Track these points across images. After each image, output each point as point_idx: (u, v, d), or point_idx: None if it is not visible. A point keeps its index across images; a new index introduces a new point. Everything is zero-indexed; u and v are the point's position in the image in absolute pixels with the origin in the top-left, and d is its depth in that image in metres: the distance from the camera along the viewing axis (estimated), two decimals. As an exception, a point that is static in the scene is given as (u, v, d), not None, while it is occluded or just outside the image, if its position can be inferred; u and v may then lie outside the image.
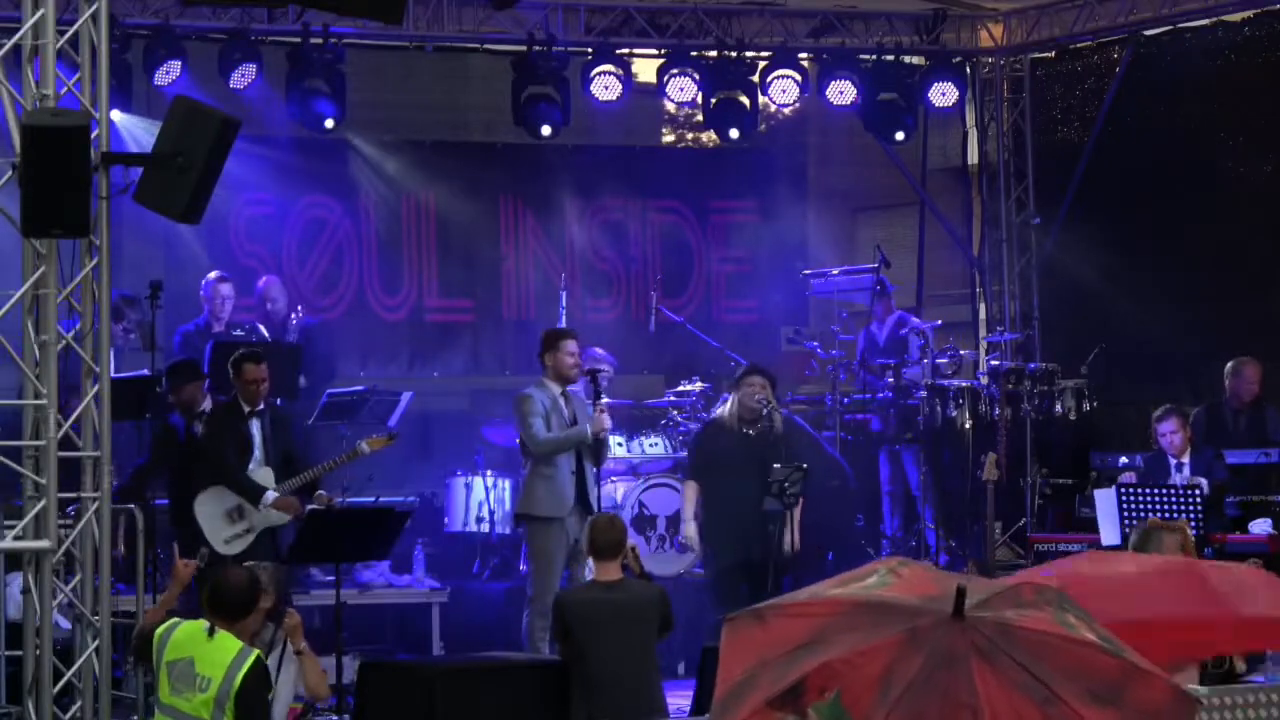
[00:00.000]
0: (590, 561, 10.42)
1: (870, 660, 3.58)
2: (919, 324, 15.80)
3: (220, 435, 12.06)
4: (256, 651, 8.45)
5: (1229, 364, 14.16)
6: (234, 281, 14.68)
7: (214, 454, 12.04)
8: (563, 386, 12.36)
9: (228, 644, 8.23)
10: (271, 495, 11.78)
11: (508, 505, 14.28)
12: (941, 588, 3.74)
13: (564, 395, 12.36)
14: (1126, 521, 12.93)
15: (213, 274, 14.63)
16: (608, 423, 12.42)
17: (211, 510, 11.89)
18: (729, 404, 12.92)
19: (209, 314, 14.46)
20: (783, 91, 16.20)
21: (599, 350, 14.54)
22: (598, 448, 12.34)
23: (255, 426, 12.02)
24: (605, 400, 12.55)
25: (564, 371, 12.33)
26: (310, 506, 11.86)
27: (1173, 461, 13.57)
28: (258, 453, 12.00)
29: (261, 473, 11.98)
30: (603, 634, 9.73)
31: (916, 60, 16.70)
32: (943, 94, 16.56)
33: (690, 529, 12.97)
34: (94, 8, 9.86)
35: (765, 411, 12.66)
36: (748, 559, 12.55)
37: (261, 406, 12.07)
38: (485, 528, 14.36)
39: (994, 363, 15.82)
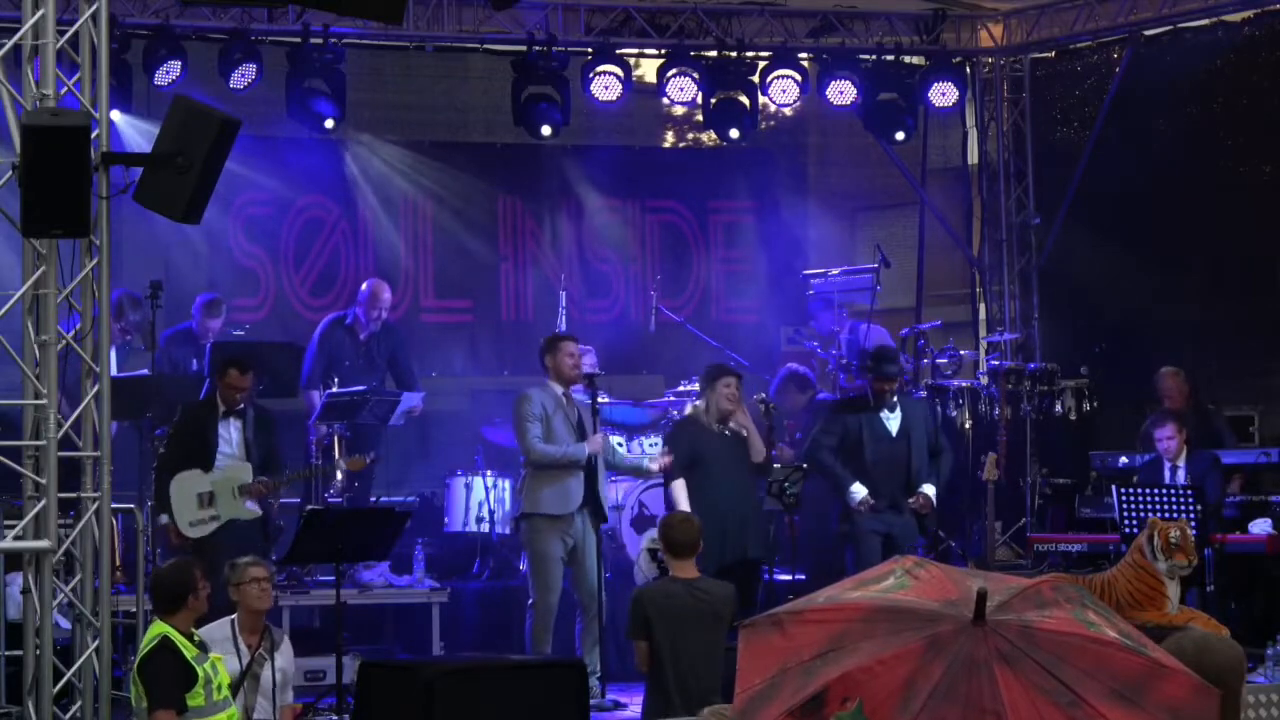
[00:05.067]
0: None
1: (891, 669, 3.56)
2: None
3: (177, 435, 12.47)
4: (162, 631, 8.72)
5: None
6: (226, 302, 14.75)
7: (164, 451, 12.55)
8: (565, 388, 12.44)
9: (151, 632, 8.72)
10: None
11: (508, 505, 14.27)
12: (961, 590, 3.71)
13: (567, 396, 12.41)
14: (1127, 521, 12.94)
15: (203, 298, 14.60)
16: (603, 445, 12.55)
17: (185, 490, 12.23)
18: (702, 402, 12.91)
19: (197, 328, 14.44)
20: (783, 91, 16.16)
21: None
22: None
23: (233, 427, 12.38)
24: (602, 430, 12.65)
25: (564, 373, 12.44)
26: (310, 507, 11.90)
27: (1168, 465, 13.55)
28: (235, 449, 12.33)
29: (241, 468, 12.31)
30: (684, 628, 9.54)
31: (916, 60, 16.66)
32: (943, 94, 16.52)
33: None
34: (94, 8, 9.83)
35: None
36: (740, 557, 12.49)
37: (241, 407, 12.40)
38: (485, 528, 14.34)
39: (994, 363, 15.82)
